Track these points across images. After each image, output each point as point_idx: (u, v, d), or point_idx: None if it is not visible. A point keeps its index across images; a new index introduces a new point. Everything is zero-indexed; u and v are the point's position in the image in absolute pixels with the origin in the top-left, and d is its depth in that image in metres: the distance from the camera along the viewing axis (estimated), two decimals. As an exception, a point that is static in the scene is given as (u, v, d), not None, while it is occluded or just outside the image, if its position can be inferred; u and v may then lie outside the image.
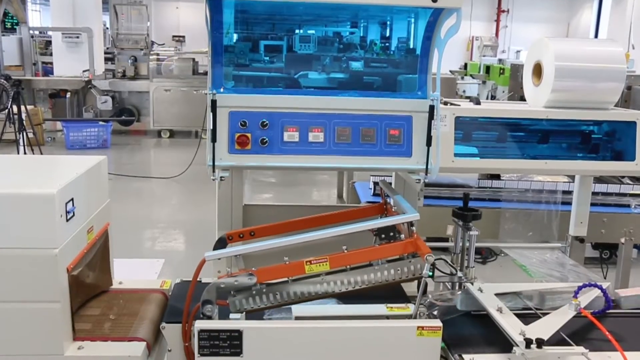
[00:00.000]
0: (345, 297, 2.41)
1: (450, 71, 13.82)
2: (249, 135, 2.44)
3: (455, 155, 2.64)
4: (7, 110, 8.94)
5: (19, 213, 2.15)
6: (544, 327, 2.25)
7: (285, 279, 2.33)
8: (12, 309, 2.20)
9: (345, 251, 2.34)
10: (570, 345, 2.22)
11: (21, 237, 2.15)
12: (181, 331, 2.36)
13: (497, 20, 25.49)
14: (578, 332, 2.40)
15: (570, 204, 3.22)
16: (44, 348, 2.24)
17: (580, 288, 2.53)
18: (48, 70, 14.13)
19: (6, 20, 15.01)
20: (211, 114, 2.39)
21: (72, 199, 2.30)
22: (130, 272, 3.23)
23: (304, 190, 8.94)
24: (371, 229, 2.59)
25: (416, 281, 2.41)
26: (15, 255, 2.16)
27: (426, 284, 2.29)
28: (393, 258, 2.39)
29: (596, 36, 20.37)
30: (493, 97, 11.86)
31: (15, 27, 14.89)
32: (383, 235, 2.54)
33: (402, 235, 2.50)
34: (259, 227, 2.78)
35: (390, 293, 2.56)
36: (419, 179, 2.52)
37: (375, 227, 2.55)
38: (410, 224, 2.43)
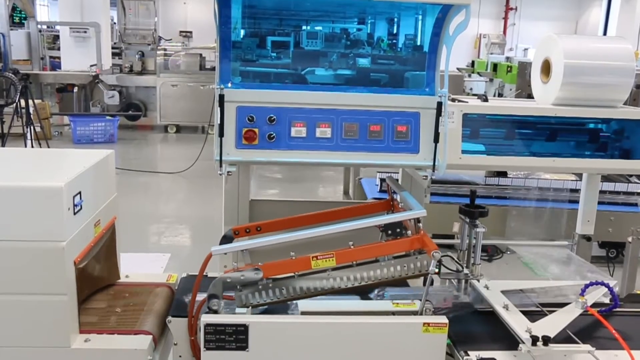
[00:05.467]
0: (352, 293, 2.41)
1: (458, 68, 13.77)
2: (256, 130, 2.44)
3: (463, 152, 2.64)
4: (15, 104, 8.98)
5: (27, 206, 2.16)
6: (551, 325, 2.24)
7: (292, 274, 2.34)
8: (19, 301, 2.21)
9: (352, 247, 2.35)
10: (577, 343, 2.21)
11: (29, 230, 2.16)
12: (187, 325, 2.37)
13: (505, 18, 25.40)
14: (585, 330, 2.39)
15: (577, 202, 3.21)
16: (50, 340, 2.25)
17: (587, 286, 2.53)
18: (56, 65, 14.18)
19: (14, 14, 15.02)
20: (219, 108, 2.40)
21: (79, 193, 2.31)
22: (136, 266, 3.24)
23: (310, 186, 8.95)
24: (378, 225, 2.59)
25: (422, 277, 2.42)
26: (23, 248, 2.17)
27: (432, 281, 2.29)
28: (399, 254, 2.39)
29: (605, 34, 20.24)
30: (500, 95, 11.80)
31: (23, 21, 14.94)
32: (390, 232, 2.55)
33: (409, 232, 2.50)
34: (265, 222, 2.78)
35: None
36: (426, 176, 2.51)
37: (382, 223, 2.56)
38: (417, 220, 2.43)
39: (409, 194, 2.66)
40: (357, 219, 2.62)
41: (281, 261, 2.33)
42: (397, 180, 3.14)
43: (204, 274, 2.44)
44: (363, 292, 2.45)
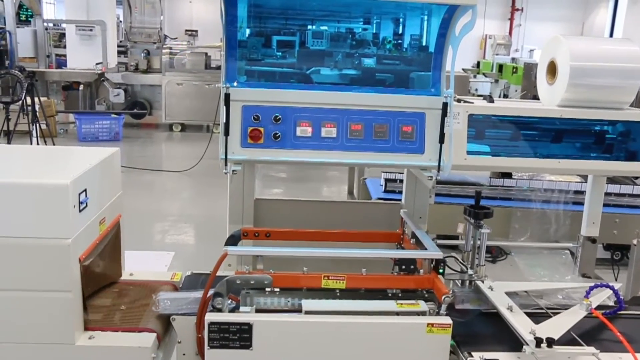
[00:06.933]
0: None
1: (463, 69, 13.75)
2: (261, 129, 2.45)
3: (468, 153, 2.63)
4: (20, 102, 9.00)
5: (33, 203, 2.16)
6: (555, 327, 2.24)
7: (300, 287, 2.39)
8: (24, 297, 2.22)
9: (364, 273, 2.41)
10: (581, 345, 2.21)
11: (34, 227, 2.17)
12: (193, 323, 2.37)
13: (511, 19, 25.33)
14: (589, 333, 2.39)
15: (582, 204, 3.20)
16: (55, 337, 2.26)
17: (591, 288, 2.52)
18: (61, 63, 14.19)
19: (21, 12, 15.04)
20: (224, 107, 2.40)
21: (85, 190, 2.31)
22: (140, 264, 3.23)
23: (314, 186, 8.94)
24: (392, 258, 2.65)
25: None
26: (29, 245, 2.18)
27: None
28: (408, 289, 2.46)
29: (611, 36, 20.16)
30: (505, 96, 11.79)
31: (29, 19, 14.95)
32: (403, 266, 2.57)
33: (421, 270, 2.55)
34: (276, 230, 2.83)
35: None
36: (431, 176, 2.51)
37: (397, 256, 2.60)
38: (431, 261, 2.48)
39: (424, 234, 2.72)
40: (370, 246, 2.82)
41: (293, 274, 2.39)
42: (402, 180, 3.14)
43: (207, 272, 2.44)
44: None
